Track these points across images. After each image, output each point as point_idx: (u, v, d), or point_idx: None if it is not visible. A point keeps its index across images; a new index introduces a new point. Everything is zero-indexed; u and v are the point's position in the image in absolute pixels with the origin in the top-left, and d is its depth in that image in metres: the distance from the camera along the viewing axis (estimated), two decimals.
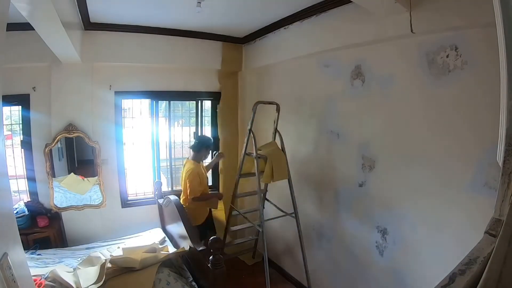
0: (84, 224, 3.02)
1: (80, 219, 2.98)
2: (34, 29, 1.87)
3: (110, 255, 2.41)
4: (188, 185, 2.70)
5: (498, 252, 0.56)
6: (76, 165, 3.07)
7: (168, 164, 3.67)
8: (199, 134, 3.66)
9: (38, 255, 2.49)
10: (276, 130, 2.64)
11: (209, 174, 3.94)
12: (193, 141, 3.23)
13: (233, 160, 3.77)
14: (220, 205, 3.25)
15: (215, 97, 3.68)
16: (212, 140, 2.99)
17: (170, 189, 3.67)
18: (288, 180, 2.56)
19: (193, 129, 3.79)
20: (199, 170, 2.81)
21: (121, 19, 2.78)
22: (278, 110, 2.62)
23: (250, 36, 3.30)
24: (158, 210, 3.34)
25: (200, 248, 2.25)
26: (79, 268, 2.20)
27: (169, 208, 2.90)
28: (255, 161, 2.46)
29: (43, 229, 2.75)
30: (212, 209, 3.09)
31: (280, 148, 2.58)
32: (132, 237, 2.95)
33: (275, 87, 3.24)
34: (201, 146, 2.83)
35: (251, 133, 2.52)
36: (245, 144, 2.62)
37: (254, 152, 2.47)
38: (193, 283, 2.22)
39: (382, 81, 2.02)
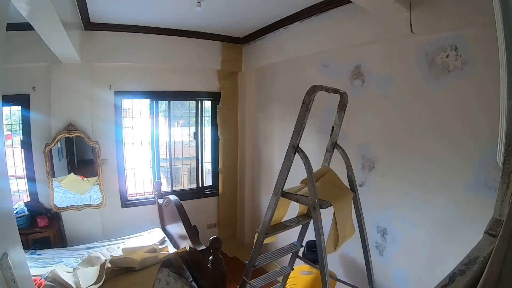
0: (84, 224, 3.01)
1: (80, 219, 2.98)
2: (34, 29, 1.87)
3: (110, 255, 2.41)
4: None
5: (498, 252, 0.56)
6: (76, 165, 3.07)
7: (168, 164, 3.68)
8: None
9: (38, 255, 2.49)
10: (334, 145, 1.67)
11: (208, 174, 3.95)
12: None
13: (233, 161, 3.78)
14: None
15: (215, 97, 3.68)
16: None
17: (170, 189, 3.67)
18: (361, 236, 1.66)
19: (193, 129, 3.79)
20: None
21: (121, 19, 2.78)
22: (344, 106, 1.60)
23: (250, 36, 3.30)
24: (158, 210, 3.34)
25: (200, 248, 2.25)
26: (79, 268, 2.20)
27: (169, 208, 2.90)
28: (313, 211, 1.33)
29: (43, 229, 2.75)
30: None
31: (341, 180, 1.65)
32: (132, 237, 2.95)
33: (275, 87, 3.24)
34: None
35: (300, 153, 1.41)
36: (283, 176, 1.45)
37: (311, 191, 1.34)
38: (193, 283, 2.22)
39: (382, 81, 2.02)
